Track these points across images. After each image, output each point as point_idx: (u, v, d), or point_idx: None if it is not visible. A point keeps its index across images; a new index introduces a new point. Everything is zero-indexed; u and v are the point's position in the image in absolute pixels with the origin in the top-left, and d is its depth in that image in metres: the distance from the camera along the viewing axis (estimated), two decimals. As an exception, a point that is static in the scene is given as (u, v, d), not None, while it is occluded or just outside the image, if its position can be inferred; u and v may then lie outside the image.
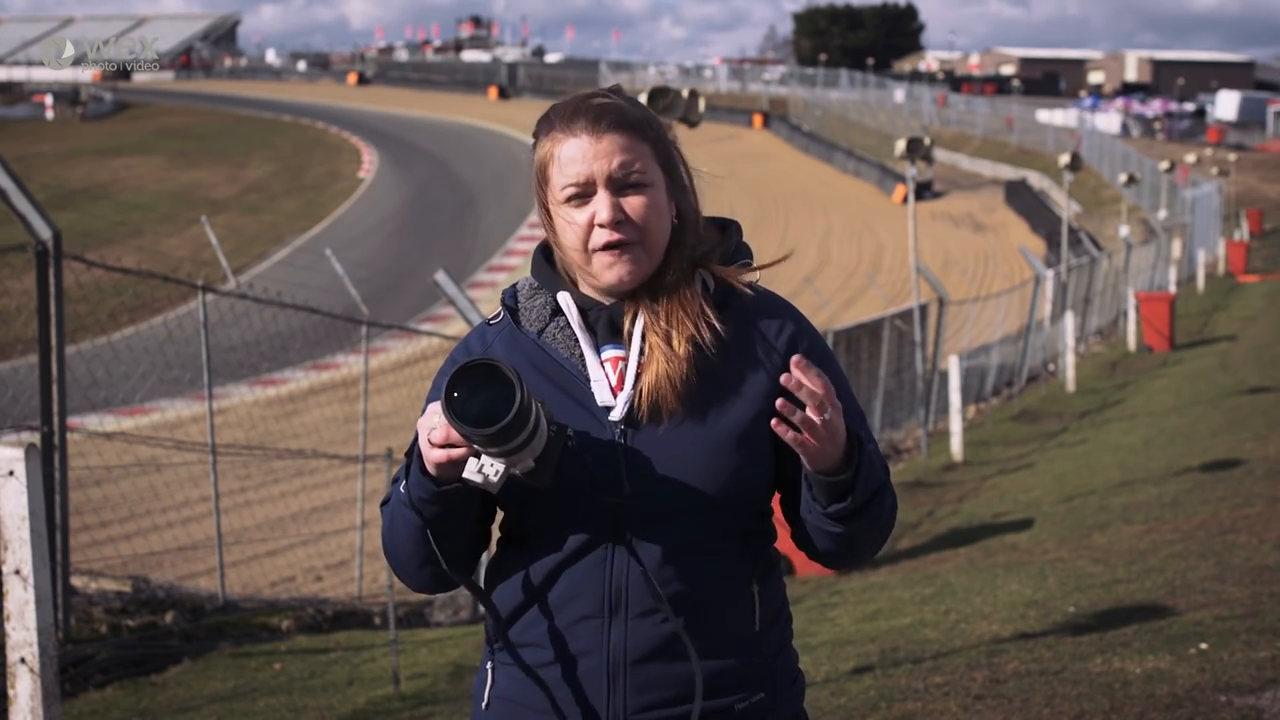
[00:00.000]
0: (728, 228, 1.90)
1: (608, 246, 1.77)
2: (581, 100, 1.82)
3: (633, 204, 1.78)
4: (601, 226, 1.77)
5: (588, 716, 1.76)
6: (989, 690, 4.49)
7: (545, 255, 1.89)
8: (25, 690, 3.59)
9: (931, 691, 4.57)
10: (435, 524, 1.74)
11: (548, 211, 1.83)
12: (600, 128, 1.78)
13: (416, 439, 1.73)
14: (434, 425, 1.66)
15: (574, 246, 1.80)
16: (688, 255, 1.83)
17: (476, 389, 1.60)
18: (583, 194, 1.78)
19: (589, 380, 1.79)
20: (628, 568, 1.75)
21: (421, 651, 6.61)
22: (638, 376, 1.77)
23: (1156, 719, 4.03)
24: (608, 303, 1.82)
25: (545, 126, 1.83)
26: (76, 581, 6.89)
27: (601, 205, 1.77)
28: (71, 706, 5.39)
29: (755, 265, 1.89)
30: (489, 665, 1.86)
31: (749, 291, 1.85)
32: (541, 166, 1.82)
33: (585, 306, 1.82)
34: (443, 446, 1.66)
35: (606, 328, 1.81)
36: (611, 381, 1.78)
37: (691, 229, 1.85)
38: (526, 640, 1.80)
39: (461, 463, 1.67)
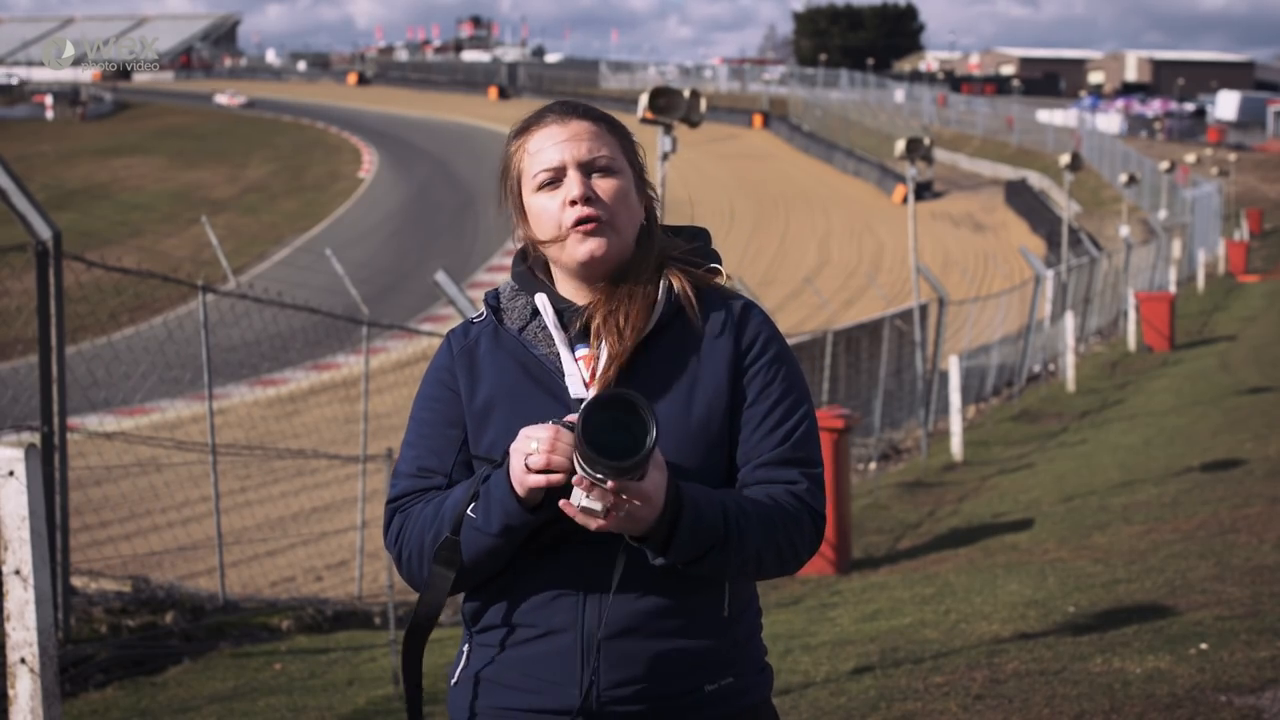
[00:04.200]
0: (697, 235, 2.00)
1: (580, 223, 1.85)
2: (548, 103, 1.95)
3: (603, 186, 1.87)
4: (573, 204, 1.85)
5: (562, 692, 1.80)
6: (989, 690, 4.49)
7: (524, 260, 1.98)
8: (25, 690, 3.59)
9: (931, 691, 4.56)
10: (509, 547, 1.79)
11: (520, 209, 1.92)
12: (567, 116, 1.90)
13: (504, 462, 1.75)
14: (531, 450, 1.70)
15: (548, 234, 1.88)
16: (652, 256, 1.91)
17: (605, 421, 1.63)
18: (554, 179, 1.87)
19: (564, 375, 1.86)
20: (602, 550, 1.79)
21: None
22: (607, 369, 1.84)
23: (1156, 719, 4.03)
24: (581, 304, 1.90)
25: (515, 129, 1.94)
26: (76, 581, 6.88)
27: (573, 184, 1.86)
28: (71, 706, 5.39)
29: (718, 270, 1.96)
30: (465, 647, 1.92)
31: (715, 292, 1.93)
32: (513, 163, 1.92)
33: (560, 307, 1.90)
34: (541, 472, 1.70)
35: (580, 327, 1.89)
36: (584, 377, 1.86)
37: (654, 229, 1.94)
38: (503, 621, 1.85)
39: (553, 490, 1.71)
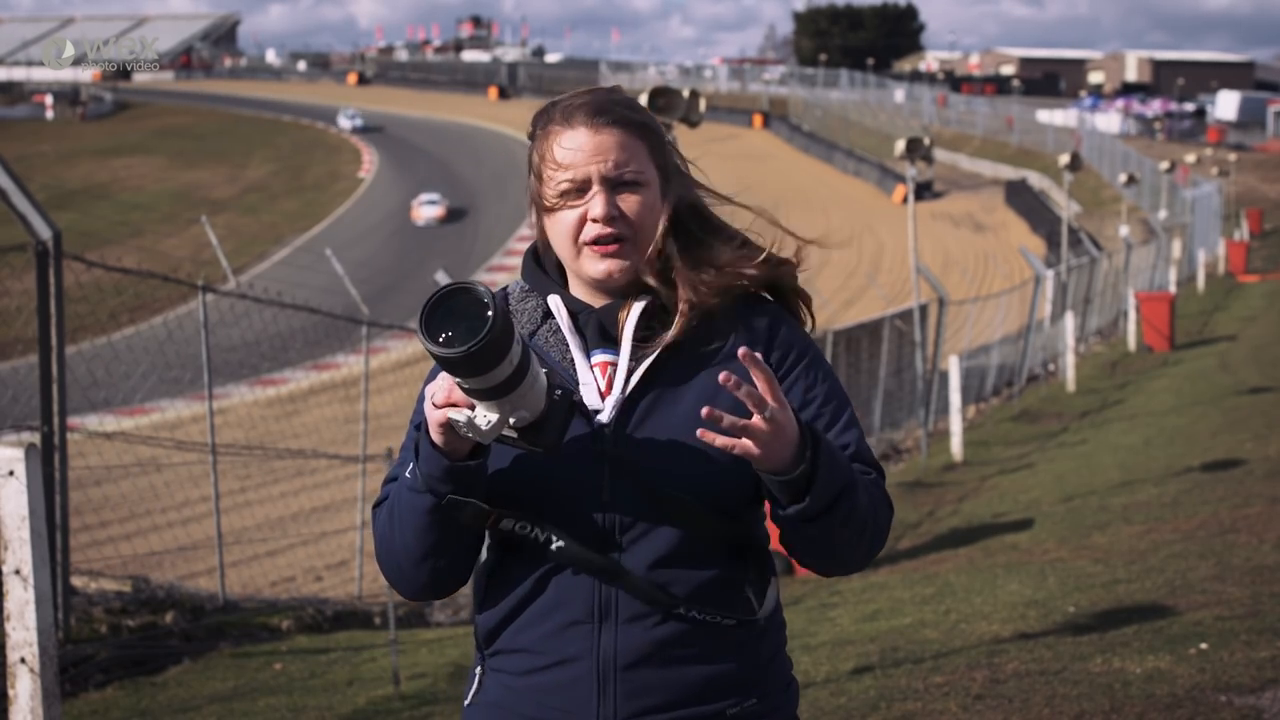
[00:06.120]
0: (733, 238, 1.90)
1: (598, 241, 1.75)
2: (580, 96, 1.80)
3: (627, 202, 1.76)
4: (594, 221, 1.75)
5: None
6: (989, 690, 4.49)
7: (535, 258, 1.87)
8: (25, 690, 3.59)
9: (931, 691, 4.56)
10: (444, 511, 1.69)
11: (540, 206, 1.81)
12: (597, 125, 1.76)
13: (423, 424, 1.68)
14: (436, 388, 1.62)
15: (564, 241, 1.78)
16: (682, 253, 1.80)
17: (458, 320, 1.54)
18: (578, 190, 1.76)
19: (579, 384, 1.76)
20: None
21: (421, 651, 6.61)
22: (627, 379, 1.75)
23: (1156, 719, 4.03)
24: (598, 305, 1.80)
25: (543, 120, 1.81)
26: (76, 581, 6.88)
27: (596, 202, 1.75)
28: (71, 706, 5.39)
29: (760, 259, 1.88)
30: (478, 670, 1.85)
31: (742, 297, 1.84)
32: (538, 161, 1.80)
33: (575, 310, 1.80)
34: (443, 407, 1.61)
35: (596, 331, 1.78)
36: (600, 385, 1.76)
37: (690, 224, 1.83)
38: (515, 646, 1.78)
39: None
